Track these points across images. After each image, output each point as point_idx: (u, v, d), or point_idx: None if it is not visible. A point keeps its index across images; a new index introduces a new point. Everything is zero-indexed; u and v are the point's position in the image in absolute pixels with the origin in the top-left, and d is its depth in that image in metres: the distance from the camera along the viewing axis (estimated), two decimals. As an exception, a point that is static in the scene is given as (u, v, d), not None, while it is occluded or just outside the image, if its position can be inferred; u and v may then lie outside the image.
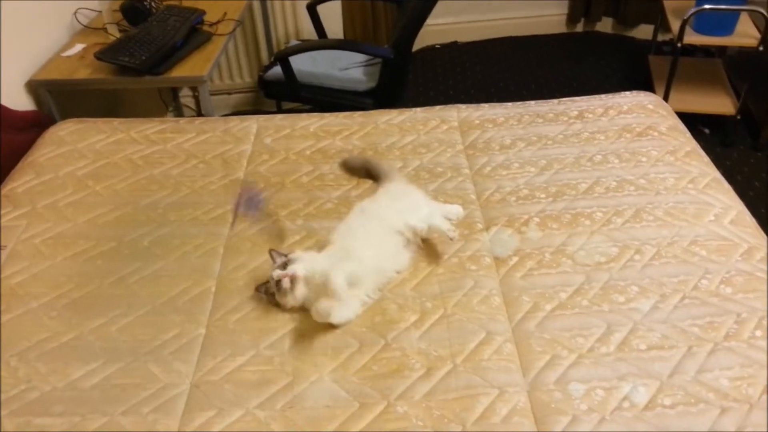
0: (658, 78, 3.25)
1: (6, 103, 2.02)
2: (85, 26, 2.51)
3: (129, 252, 1.57)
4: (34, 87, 2.21)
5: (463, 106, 2.09)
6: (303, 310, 1.39)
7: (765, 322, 1.32)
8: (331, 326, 1.35)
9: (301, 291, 1.36)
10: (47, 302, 1.44)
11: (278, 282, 1.36)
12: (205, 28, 2.47)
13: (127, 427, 1.18)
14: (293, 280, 1.36)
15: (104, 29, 2.44)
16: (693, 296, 1.39)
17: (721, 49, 3.55)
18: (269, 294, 1.41)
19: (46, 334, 1.36)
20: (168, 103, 3.31)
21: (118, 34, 2.40)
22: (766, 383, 1.20)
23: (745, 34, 2.95)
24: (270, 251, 1.45)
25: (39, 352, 1.32)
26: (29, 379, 1.27)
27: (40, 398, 1.23)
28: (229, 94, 3.54)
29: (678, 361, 1.25)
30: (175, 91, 3.35)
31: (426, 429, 1.16)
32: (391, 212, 1.54)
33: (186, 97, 3.45)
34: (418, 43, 3.81)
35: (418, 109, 2.08)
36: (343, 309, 1.35)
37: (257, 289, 1.43)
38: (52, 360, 1.30)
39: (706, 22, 2.94)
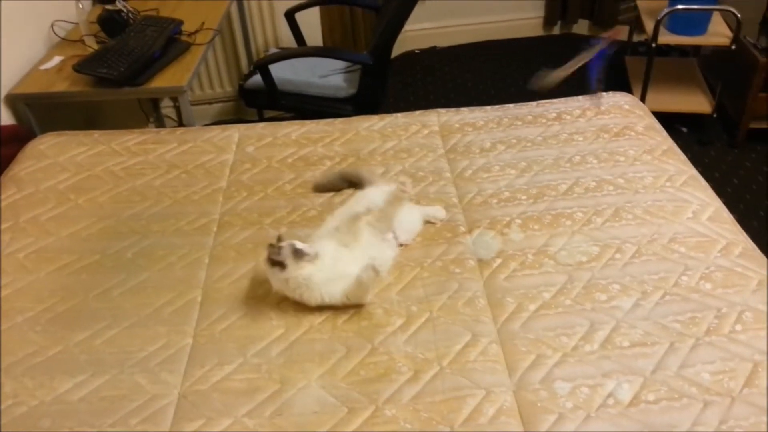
0: (634, 79, 3.30)
1: (-16, 117, 2.01)
2: (63, 38, 2.50)
3: (113, 264, 1.57)
4: (12, 101, 2.20)
5: (443, 111, 2.10)
6: (290, 316, 1.40)
7: (744, 317, 1.34)
8: (319, 331, 1.37)
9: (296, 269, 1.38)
10: (32, 317, 1.43)
11: (280, 248, 1.38)
12: (183, 38, 2.46)
13: (116, 440, 1.18)
14: (295, 253, 1.37)
15: (82, 41, 2.43)
16: (674, 293, 1.41)
17: (696, 49, 3.60)
18: (270, 258, 1.40)
19: (32, 349, 1.35)
20: (149, 114, 3.30)
21: (95, 46, 2.39)
22: (746, 376, 1.22)
23: (717, 33, 3.01)
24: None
25: (25, 367, 1.31)
26: (16, 395, 1.26)
27: (28, 413, 1.23)
28: (210, 103, 3.54)
29: (660, 357, 1.27)
30: (155, 102, 3.34)
31: (414, 431, 1.17)
32: (358, 208, 1.58)
33: (167, 107, 3.44)
34: (397, 49, 3.83)
35: (399, 115, 2.09)
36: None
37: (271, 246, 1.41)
38: (38, 374, 1.30)
39: (679, 23, 2.99)
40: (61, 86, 2.21)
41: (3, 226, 1.68)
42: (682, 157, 1.85)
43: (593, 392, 1.22)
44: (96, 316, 1.42)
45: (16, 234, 1.66)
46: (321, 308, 1.41)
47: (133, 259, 1.58)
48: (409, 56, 4.05)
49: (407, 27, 2.67)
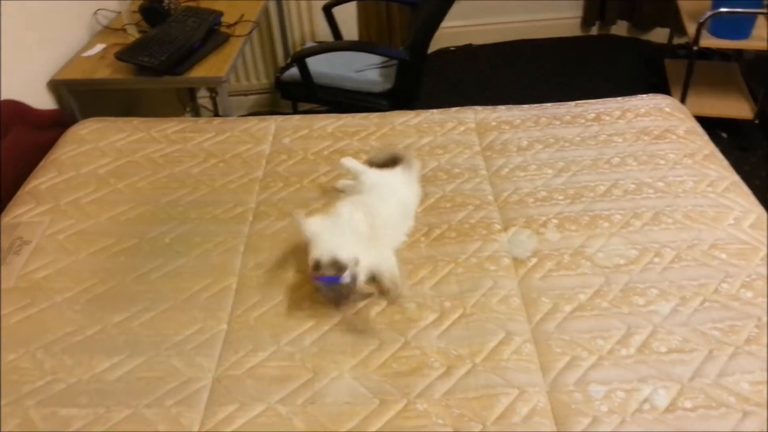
0: (674, 82, 3.25)
1: (28, 101, 2.05)
2: (105, 27, 2.54)
3: (150, 249, 1.59)
4: (55, 86, 2.24)
5: (479, 108, 2.09)
6: (323, 307, 1.41)
7: (785, 326, 1.32)
8: (350, 324, 1.37)
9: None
10: (71, 297, 1.46)
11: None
12: (223, 29, 2.49)
13: (151, 419, 1.19)
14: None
15: (124, 30, 2.46)
16: (713, 300, 1.39)
17: (738, 53, 3.54)
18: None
19: (71, 328, 1.38)
20: (185, 103, 3.33)
21: (137, 35, 2.43)
22: (786, 386, 1.20)
23: (761, 37, 2.94)
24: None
25: (64, 345, 1.34)
26: (55, 371, 1.29)
27: (66, 390, 1.25)
28: (246, 95, 3.57)
29: (699, 364, 1.25)
30: (192, 92, 3.37)
31: (446, 427, 1.17)
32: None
33: (203, 98, 3.47)
34: (433, 46, 3.81)
35: (435, 111, 2.09)
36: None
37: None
38: (76, 353, 1.32)
39: (722, 26, 2.94)
40: (103, 73, 2.24)
41: (44, 208, 1.71)
42: (724, 162, 1.81)
43: (629, 396, 1.20)
44: (134, 299, 1.45)
45: (56, 216, 1.69)
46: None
47: (171, 244, 1.60)
48: (444, 53, 4.03)
49: (443, 24, 2.65)
